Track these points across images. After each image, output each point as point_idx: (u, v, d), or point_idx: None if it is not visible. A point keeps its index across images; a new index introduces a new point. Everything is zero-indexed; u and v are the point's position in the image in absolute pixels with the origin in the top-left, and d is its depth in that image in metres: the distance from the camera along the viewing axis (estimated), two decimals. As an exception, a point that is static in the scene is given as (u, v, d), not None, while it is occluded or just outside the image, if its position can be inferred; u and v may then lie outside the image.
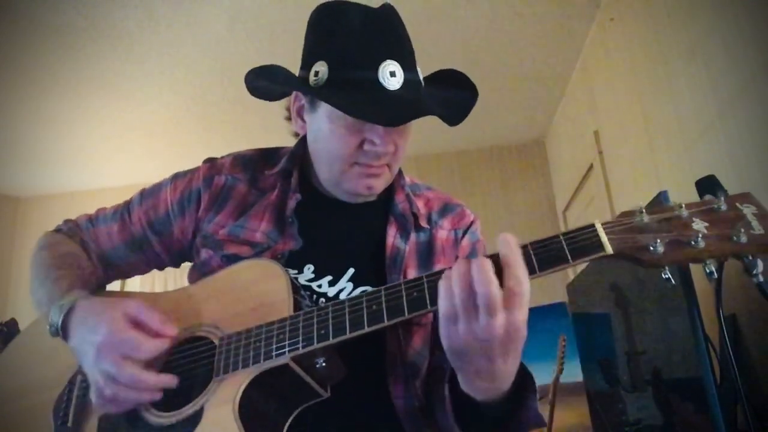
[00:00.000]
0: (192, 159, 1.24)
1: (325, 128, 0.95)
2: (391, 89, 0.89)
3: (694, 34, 1.90)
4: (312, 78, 0.93)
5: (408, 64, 0.92)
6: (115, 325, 0.84)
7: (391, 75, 0.89)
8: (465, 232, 1.09)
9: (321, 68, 0.91)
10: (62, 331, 0.89)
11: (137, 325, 0.85)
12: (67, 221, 1.14)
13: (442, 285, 0.73)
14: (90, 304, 0.90)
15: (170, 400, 0.86)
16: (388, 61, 0.89)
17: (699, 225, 0.73)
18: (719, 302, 1.10)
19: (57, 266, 1.00)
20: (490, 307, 0.68)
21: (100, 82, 3.13)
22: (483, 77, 3.24)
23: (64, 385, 0.97)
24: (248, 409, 0.82)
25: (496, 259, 0.72)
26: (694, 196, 1.02)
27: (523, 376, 0.80)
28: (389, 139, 0.93)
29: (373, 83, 0.89)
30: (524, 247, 0.76)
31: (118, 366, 0.81)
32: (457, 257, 1.06)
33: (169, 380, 0.84)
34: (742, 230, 0.70)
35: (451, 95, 0.99)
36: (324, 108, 0.94)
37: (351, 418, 0.94)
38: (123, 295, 1.05)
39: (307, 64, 0.95)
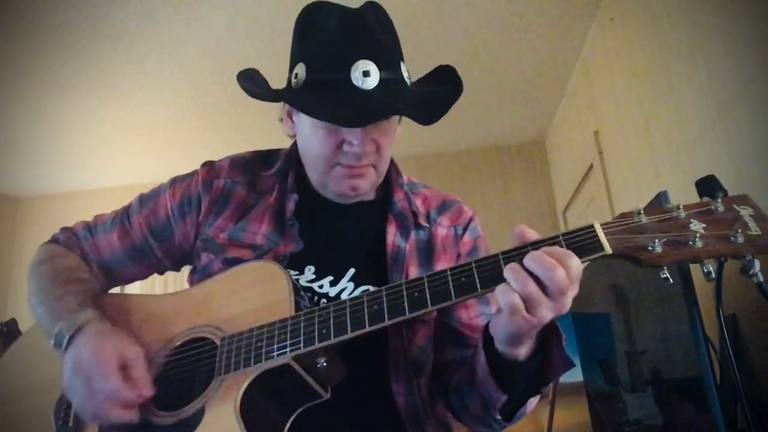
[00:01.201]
0: (192, 159, 1.24)
1: (307, 130, 0.96)
2: (366, 89, 0.89)
3: (694, 34, 1.90)
4: (293, 80, 0.94)
5: (386, 62, 0.91)
6: (100, 363, 0.85)
7: (365, 75, 0.89)
8: (465, 229, 1.09)
9: (300, 70, 0.93)
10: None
11: (125, 368, 0.86)
12: (63, 230, 1.13)
13: (501, 286, 0.75)
14: (96, 331, 0.90)
15: (172, 399, 0.86)
16: (362, 61, 0.89)
17: (697, 226, 0.74)
18: (719, 302, 1.10)
19: (59, 283, 1.00)
20: (564, 287, 0.72)
21: (100, 82, 3.14)
22: (483, 77, 3.24)
23: (65, 385, 0.97)
24: (249, 408, 0.82)
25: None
26: (694, 196, 1.02)
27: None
28: (367, 139, 0.93)
29: (345, 84, 0.89)
30: (524, 247, 0.76)
31: (88, 397, 0.84)
32: (458, 254, 1.07)
33: (133, 417, 0.85)
34: (740, 231, 0.71)
35: (433, 94, 0.98)
36: None
37: (352, 415, 0.94)
38: (125, 299, 1.05)
39: (290, 66, 0.97)
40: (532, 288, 0.72)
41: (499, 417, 0.87)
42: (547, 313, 0.73)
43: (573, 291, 0.73)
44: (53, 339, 0.91)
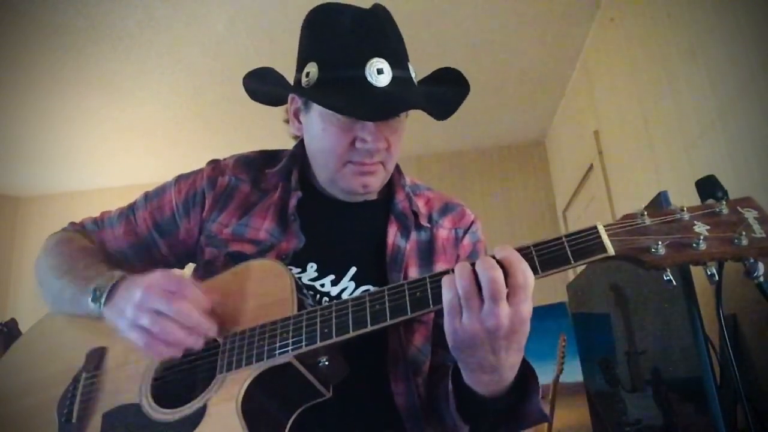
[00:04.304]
0: (192, 159, 1.24)
1: (318, 128, 0.97)
2: (379, 86, 0.91)
3: (694, 34, 1.90)
4: (304, 79, 0.95)
5: (396, 61, 0.93)
6: (164, 275, 0.85)
7: (378, 72, 0.91)
8: (466, 232, 1.10)
9: (312, 69, 0.94)
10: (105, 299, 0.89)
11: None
12: (72, 224, 1.15)
13: (445, 279, 0.75)
14: (136, 278, 0.89)
15: (173, 397, 0.87)
16: (376, 59, 0.91)
17: (700, 228, 0.73)
18: (719, 302, 1.10)
19: (84, 257, 1.01)
20: (495, 292, 0.70)
21: (100, 82, 3.13)
22: (483, 77, 3.24)
23: (68, 382, 0.97)
24: (251, 406, 0.82)
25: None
26: (694, 196, 1.02)
27: (525, 371, 0.82)
28: (380, 136, 0.95)
29: (360, 81, 0.90)
30: (527, 248, 0.76)
31: (167, 300, 0.82)
32: (458, 256, 1.07)
33: (213, 326, 0.85)
34: (744, 233, 0.71)
35: (442, 91, 1.00)
36: (316, 108, 0.96)
37: (352, 415, 0.95)
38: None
39: (300, 66, 0.98)
40: (467, 285, 0.71)
41: None
42: (474, 323, 0.71)
43: (506, 307, 0.70)
44: (91, 295, 0.90)
